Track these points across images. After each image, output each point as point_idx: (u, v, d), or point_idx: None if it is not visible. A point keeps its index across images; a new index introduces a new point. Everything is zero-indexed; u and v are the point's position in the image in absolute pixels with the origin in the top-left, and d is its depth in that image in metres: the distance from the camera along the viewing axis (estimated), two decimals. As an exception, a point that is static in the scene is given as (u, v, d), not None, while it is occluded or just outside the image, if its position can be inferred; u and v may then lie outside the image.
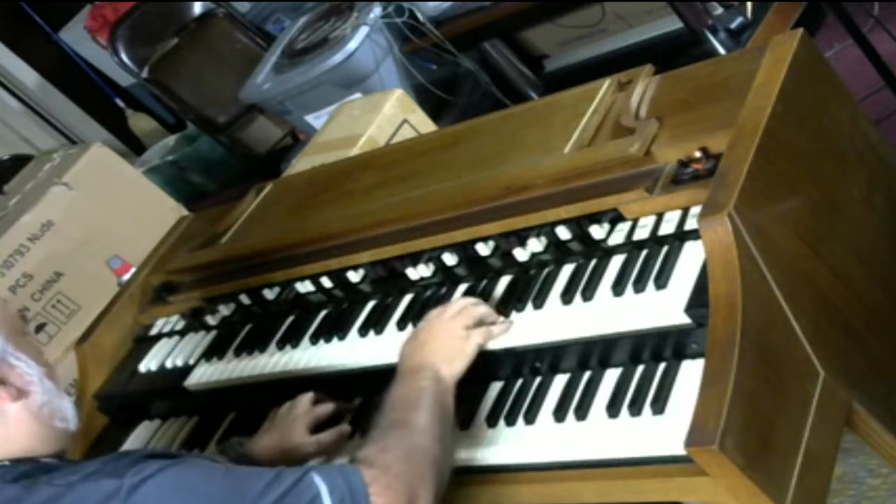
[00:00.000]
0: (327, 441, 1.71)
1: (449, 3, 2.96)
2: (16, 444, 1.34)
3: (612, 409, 1.44)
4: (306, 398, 1.78)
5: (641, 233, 1.53)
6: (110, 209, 2.87)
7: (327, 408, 1.77)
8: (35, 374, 1.36)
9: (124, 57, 3.97)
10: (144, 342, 2.23)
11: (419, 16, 2.98)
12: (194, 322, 2.14)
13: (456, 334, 1.56)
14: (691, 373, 1.41)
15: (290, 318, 1.94)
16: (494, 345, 1.59)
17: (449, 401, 1.52)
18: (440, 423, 1.47)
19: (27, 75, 5.26)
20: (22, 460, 1.33)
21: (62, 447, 1.41)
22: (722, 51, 2.64)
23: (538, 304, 1.58)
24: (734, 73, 1.60)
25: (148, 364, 2.14)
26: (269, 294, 2.00)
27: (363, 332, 1.77)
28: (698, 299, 1.38)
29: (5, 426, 1.34)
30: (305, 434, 1.72)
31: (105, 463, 1.30)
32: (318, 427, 1.75)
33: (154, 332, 2.22)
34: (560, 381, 1.55)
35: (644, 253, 1.52)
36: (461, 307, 1.60)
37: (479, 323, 1.58)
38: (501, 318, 1.59)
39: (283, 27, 3.86)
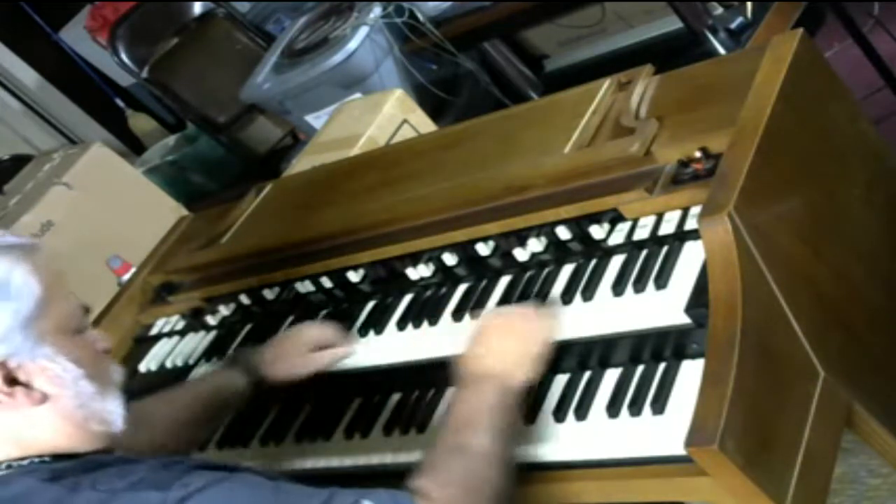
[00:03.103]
0: (326, 358, 1.75)
1: (449, 3, 2.96)
2: (49, 443, 1.28)
3: (612, 409, 1.44)
4: (305, 325, 1.82)
5: (641, 233, 1.53)
6: (110, 209, 2.88)
7: (326, 331, 1.78)
8: (70, 377, 1.28)
9: (124, 57, 3.97)
10: (144, 342, 2.22)
11: (419, 16, 2.98)
12: (194, 322, 2.14)
13: (530, 337, 1.49)
14: (691, 373, 1.40)
15: (290, 318, 1.94)
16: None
17: (514, 410, 1.44)
18: (503, 440, 1.39)
19: (27, 75, 5.26)
20: (62, 456, 1.27)
21: (105, 446, 1.33)
22: (722, 51, 2.65)
23: (538, 304, 1.58)
24: (734, 73, 1.60)
25: (148, 364, 2.14)
26: (269, 294, 2.00)
27: (363, 332, 1.77)
28: (698, 299, 1.38)
29: (31, 428, 1.27)
30: (305, 352, 1.76)
31: (152, 469, 1.24)
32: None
33: (154, 332, 2.22)
34: (560, 381, 1.55)
35: (644, 253, 1.52)
36: (527, 312, 1.53)
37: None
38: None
39: (283, 27, 3.86)
